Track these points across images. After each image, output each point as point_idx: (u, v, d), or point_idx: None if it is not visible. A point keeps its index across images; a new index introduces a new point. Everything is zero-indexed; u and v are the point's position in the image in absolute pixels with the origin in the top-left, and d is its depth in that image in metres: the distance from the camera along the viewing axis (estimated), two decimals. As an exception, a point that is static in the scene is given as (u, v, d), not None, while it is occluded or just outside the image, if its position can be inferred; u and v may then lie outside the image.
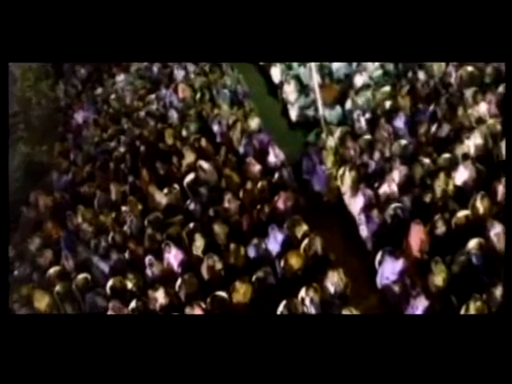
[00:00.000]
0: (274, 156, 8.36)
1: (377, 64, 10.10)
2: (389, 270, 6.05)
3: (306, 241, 6.65)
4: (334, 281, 5.99)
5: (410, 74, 9.59)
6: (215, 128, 9.74)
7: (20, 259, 8.50)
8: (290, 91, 10.09)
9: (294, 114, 9.76)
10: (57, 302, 7.45)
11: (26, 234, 9.11)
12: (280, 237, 6.77)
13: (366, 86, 9.49)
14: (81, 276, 7.64)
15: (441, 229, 6.27)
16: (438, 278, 5.66)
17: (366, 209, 6.91)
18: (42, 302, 7.45)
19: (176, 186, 8.70)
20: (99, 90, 12.74)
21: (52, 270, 8.05)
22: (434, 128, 8.02)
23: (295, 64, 10.84)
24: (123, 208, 8.62)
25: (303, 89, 10.11)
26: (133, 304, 6.84)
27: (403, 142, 8.05)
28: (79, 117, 12.18)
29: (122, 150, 10.36)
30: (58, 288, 7.64)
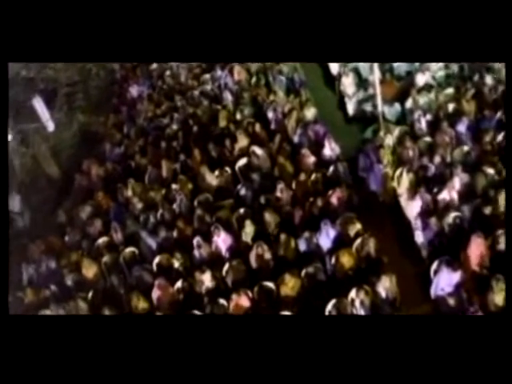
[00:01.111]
0: (330, 149, 8.02)
1: (440, 64, 9.56)
2: (445, 281, 5.69)
3: (358, 240, 6.35)
4: (386, 286, 5.68)
5: (476, 78, 9.04)
6: (270, 114, 9.45)
7: (71, 225, 8.53)
8: (348, 84, 9.66)
9: (350, 107, 9.35)
10: (104, 273, 7.47)
11: (77, 201, 9.18)
12: (332, 233, 6.49)
13: (428, 87, 8.98)
14: (128, 249, 7.58)
15: (503, 244, 5.91)
16: (499, 297, 5.28)
17: (423, 214, 6.53)
18: (89, 270, 7.45)
19: (227, 169, 8.53)
20: (154, 65, 12.61)
21: (101, 240, 8.02)
22: (500, 137, 7.56)
23: (355, 56, 10.44)
24: (173, 186, 8.51)
25: (362, 83, 9.66)
26: (179, 284, 6.73)
27: (466, 148, 7.59)
28: (134, 90, 12.08)
29: (174, 127, 10.24)
30: (105, 259, 7.61)
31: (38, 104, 10.32)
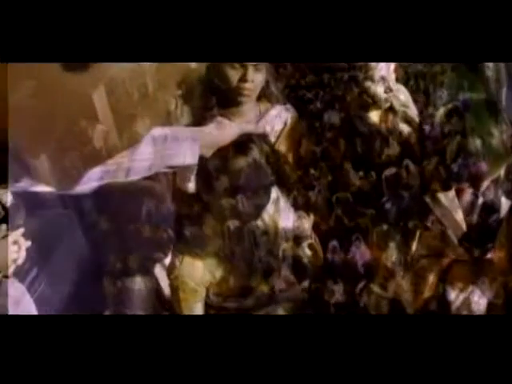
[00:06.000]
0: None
1: None
2: None
3: (517, 314, 5.52)
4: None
5: None
6: (427, 128, 8.42)
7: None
8: (520, 125, 8.51)
9: (517, 152, 8.25)
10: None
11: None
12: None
13: None
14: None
15: None
16: None
17: None
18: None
19: (373, 173, 7.65)
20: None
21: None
22: None
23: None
24: (311, 171, 7.74)
25: (538, 129, 8.49)
26: (305, 283, 6.08)
27: None
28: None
29: (318, 105, 9.39)
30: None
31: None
